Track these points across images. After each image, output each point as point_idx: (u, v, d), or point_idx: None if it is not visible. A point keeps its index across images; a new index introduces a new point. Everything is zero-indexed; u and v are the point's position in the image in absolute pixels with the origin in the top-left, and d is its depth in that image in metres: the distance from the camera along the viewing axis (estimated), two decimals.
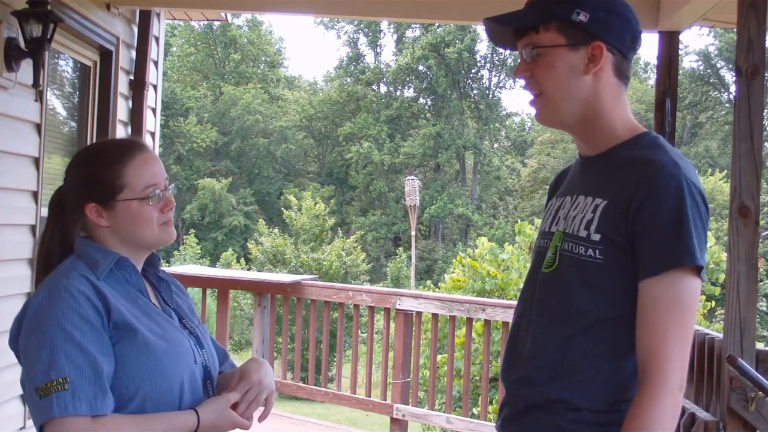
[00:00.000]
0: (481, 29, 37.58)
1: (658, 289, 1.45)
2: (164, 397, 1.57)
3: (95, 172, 1.65)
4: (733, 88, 3.99)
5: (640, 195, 1.47)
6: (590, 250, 1.52)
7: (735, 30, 3.16)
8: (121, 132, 4.78)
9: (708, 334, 3.40)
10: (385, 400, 5.51)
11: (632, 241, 1.48)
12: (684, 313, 1.44)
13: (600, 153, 1.61)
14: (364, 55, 39.64)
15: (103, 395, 1.47)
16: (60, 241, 1.67)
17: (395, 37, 38.72)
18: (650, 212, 1.46)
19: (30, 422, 1.48)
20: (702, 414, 3.20)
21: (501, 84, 37.36)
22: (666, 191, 1.46)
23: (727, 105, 33.52)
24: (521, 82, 1.65)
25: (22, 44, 3.65)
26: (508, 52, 1.68)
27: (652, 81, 32.85)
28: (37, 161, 3.95)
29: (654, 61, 4.38)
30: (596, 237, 1.51)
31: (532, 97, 1.63)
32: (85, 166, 1.70)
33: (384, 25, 37.53)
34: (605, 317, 1.51)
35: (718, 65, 35.70)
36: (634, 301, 1.48)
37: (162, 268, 1.78)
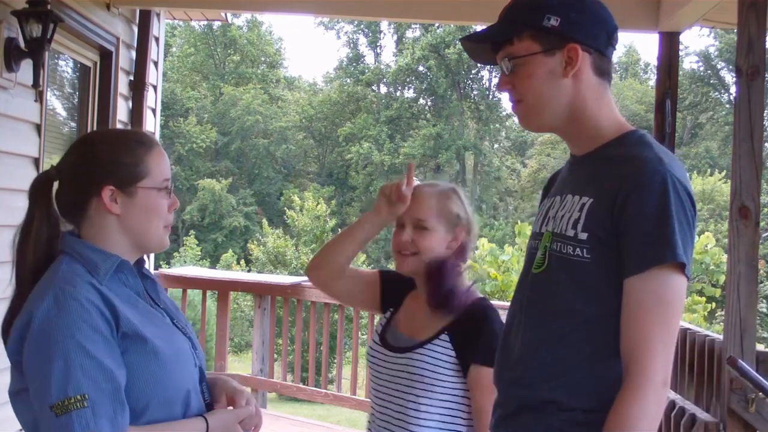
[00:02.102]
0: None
1: (640, 286, 1.44)
2: (172, 406, 1.53)
3: (118, 153, 1.56)
4: (733, 89, 3.97)
5: (624, 192, 1.46)
6: (578, 249, 1.51)
7: (735, 30, 3.16)
8: None
9: (708, 335, 3.40)
10: None
11: (618, 239, 1.47)
12: (667, 310, 1.44)
13: (588, 152, 1.62)
14: (364, 56, 39.64)
15: (122, 410, 1.41)
16: (47, 238, 1.54)
17: (395, 37, 38.71)
18: (634, 209, 1.45)
19: None
20: (702, 415, 3.20)
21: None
22: (650, 188, 1.45)
23: (728, 106, 33.50)
24: (506, 94, 1.66)
25: (22, 44, 3.65)
26: None
27: (652, 82, 32.82)
28: (37, 161, 3.95)
29: (654, 62, 4.39)
30: (583, 236, 1.51)
31: (512, 104, 1.64)
32: (105, 145, 1.58)
33: (384, 25, 37.52)
34: (595, 316, 1.50)
35: (719, 66, 35.68)
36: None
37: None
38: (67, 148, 1.62)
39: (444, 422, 1.98)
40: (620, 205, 1.46)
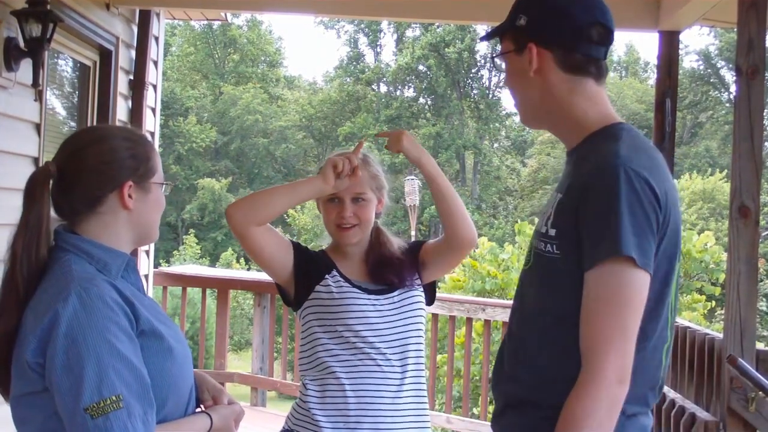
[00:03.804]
0: (481, 29, 37.64)
1: (593, 281, 1.43)
2: (183, 404, 1.54)
3: (136, 149, 1.57)
4: (733, 88, 3.98)
5: (583, 187, 1.48)
6: (549, 246, 1.52)
7: (735, 30, 3.16)
8: None
9: (708, 334, 3.40)
10: None
11: (579, 234, 1.48)
12: (620, 304, 1.41)
13: (573, 148, 1.63)
14: (364, 55, 39.62)
15: (150, 409, 1.41)
16: (48, 236, 1.51)
17: (395, 36, 38.68)
18: (588, 204, 1.46)
19: None
20: (702, 414, 3.20)
21: (501, 84, 37.26)
22: (601, 182, 1.45)
23: (728, 105, 33.47)
24: None
25: (22, 44, 3.65)
26: None
27: (652, 81, 32.79)
28: (36, 161, 3.95)
29: (654, 61, 4.39)
30: (552, 232, 1.52)
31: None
32: (123, 142, 1.57)
33: (384, 24, 37.49)
34: (565, 313, 1.49)
35: (719, 65, 35.66)
36: None
37: None
38: (66, 145, 1.59)
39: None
40: (580, 202, 1.47)
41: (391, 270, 2.22)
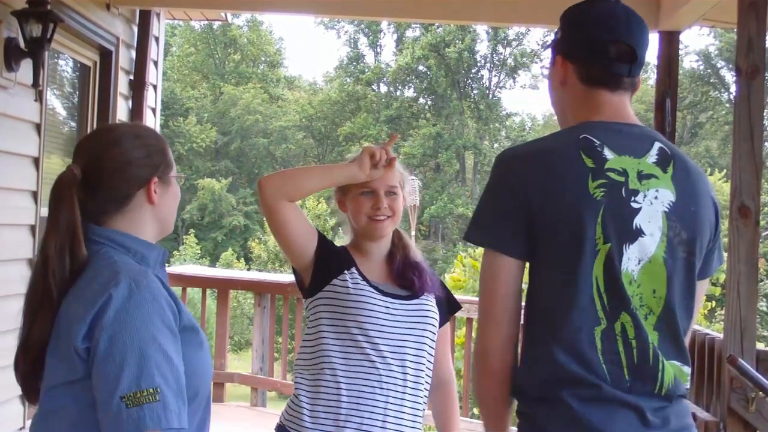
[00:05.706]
0: (481, 29, 37.65)
1: None
2: (206, 394, 1.57)
3: (155, 145, 1.60)
4: (733, 88, 3.98)
5: None
6: None
7: (735, 30, 3.16)
8: None
9: (708, 334, 3.40)
10: None
11: None
12: (481, 283, 1.54)
13: None
14: (364, 55, 39.62)
15: (185, 408, 1.41)
16: (81, 237, 1.50)
17: (395, 37, 38.69)
18: None
19: (29, 422, 1.46)
20: (702, 414, 3.20)
21: (501, 84, 37.33)
22: None
23: (728, 105, 33.47)
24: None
25: (22, 44, 3.65)
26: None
27: (652, 81, 32.72)
28: (36, 161, 3.95)
29: (654, 61, 4.39)
30: None
31: None
32: (144, 139, 1.60)
33: (384, 25, 37.50)
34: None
35: (719, 65, 35.66)
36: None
37: None
38: (87, 147, 1.60)
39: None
40: None
41: (416, 273, 2.24)
